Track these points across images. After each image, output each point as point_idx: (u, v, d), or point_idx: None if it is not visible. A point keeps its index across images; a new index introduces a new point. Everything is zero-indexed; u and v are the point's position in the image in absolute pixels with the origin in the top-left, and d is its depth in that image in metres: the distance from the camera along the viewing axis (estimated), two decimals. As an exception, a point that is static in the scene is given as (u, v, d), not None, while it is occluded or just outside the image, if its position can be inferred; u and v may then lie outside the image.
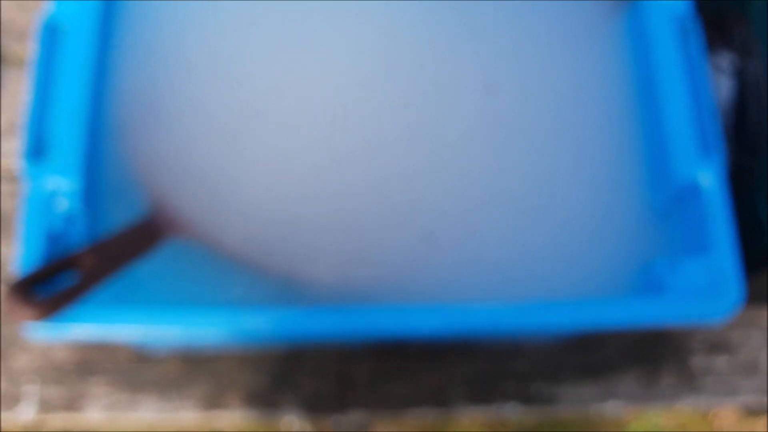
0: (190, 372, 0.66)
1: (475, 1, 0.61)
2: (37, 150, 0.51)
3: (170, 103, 0.55)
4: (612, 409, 0.68)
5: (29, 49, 0.75)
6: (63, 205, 0.50)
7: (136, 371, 0.67)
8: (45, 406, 0.65)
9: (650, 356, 0.69)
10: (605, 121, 0.57)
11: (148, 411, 0.65)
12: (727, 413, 0.71)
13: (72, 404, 0.65)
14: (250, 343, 0.65)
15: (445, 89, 0.58)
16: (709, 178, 0.52)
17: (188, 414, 0.65)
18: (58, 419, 0.66)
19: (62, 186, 0.50)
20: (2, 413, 0.65)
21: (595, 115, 0.57)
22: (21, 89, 0.75)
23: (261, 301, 0.53)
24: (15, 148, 0.72)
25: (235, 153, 0.55)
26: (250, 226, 0.54)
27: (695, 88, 0.55)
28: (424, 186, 0.56)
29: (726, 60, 0.64)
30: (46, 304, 0.45)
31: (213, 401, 0.66)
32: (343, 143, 0.57)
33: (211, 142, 0.55)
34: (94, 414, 0.65)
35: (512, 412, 0.69)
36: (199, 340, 0.64)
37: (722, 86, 0.65)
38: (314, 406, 0.67)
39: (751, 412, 0.69)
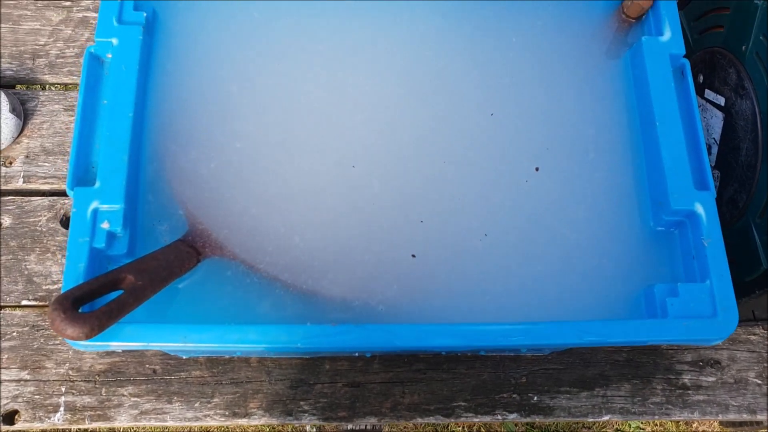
0: (214, 381, 0.70)
1: (484, 40, 0.66)
2: (83, 174, 0.55)
3: (205, 131, 0.59)
4: (606, 421, 0.72)
5: (62, 76, 0.79)
6: (105, 225, 0.53)
7: (163, 380, 0.70)
8: (74, 414, 0.68)
9: (642, 372, 0.74)
10: (608, 152, 0.61)
11: (175, 419, 0.69)
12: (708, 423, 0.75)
13: (100, 412, 0.69)
14: (273, 353, 0.69)
15: (455, 120, 0.63)
16: (703, 208, 0.56)
17: (213, 422, 0.69)
18: (86, 427, 0.69)
19: (105, 208, 0.53)
20: (33, 423, 0.68)
21: (598, 145, 0.61)
22: (53, 114, 0.79)
23: (285, 314, 0.57)
24: (47, 170, 0.75)
25: (265, 178, 0.59)
26: (279, 247, 0.57)
27: (690, 123, 0.59)
28: (433, 209, 0.60)
29: (720, 98, 0.69)
30: (91, 321, 0.47)
31: (236, 409, 0.69)
32: (365, 172, 0.61)
33: (243, 167, 0.59)
34: (122, 422, 0.69)
35: (512, 422, 0.73)
36: (230, 353, 0.67)
37: (716, 122, 0.70)
38: (329, 413, 0.70)
39: (737, 426, 0.73)
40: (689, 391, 0.73)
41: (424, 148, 0.62)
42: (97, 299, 0.51)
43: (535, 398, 0.72)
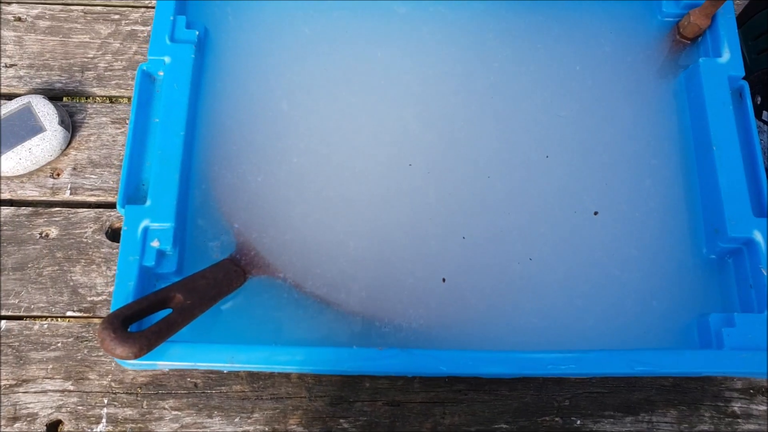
0: (254, 396, 0.70)
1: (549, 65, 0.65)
2: (133, 192, 0.55)
3: (255, 148, 0.59)
4: (652, 447, 0.71)
5: (109, 89, 0.80)
6: (156, 244, 0.53)
7: (204, 394, 0.70)
8: (115, 426, 0.69)
9: (690, 398, 0.72)
10: (662, 179, 0.60)
11: (214, 433, 0.69)
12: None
13: (141, 425, 0.69)
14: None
15: (507, 157, 0.62)
16: (762, 236, 0.54)
17: (252, 437, 0.69)
18: (128, 437, 0.69)
19: (156, 227, 0.53)
20: None
21: (654, 172, 0.60)
22: (100, 127, 0.80)
23: (330, 334, 0.57)
24: (94, 183, 0.76)
25: (314, 197, 0.59)
26: (326, 266, 0.57)
27: (749, 147, 0.58)
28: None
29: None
30: (141, 341, 0.48)
31: (276, 425, 0.69)
32: (417, 190, 0.60)
33: (291, 185, 0.59)
34: (163, 434, 0.69)
35: (556, 446, 0.72)
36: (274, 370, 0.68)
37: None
38: (368, 431, 0.70)
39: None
40: (739, 420, 0.71)
41: (476, 168, 0.62)
42: (145, 318, 0.51)
43: (578, 422, 0.71)
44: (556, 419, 0.71)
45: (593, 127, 0.62)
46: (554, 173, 0.60)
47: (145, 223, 0.54)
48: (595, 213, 0.59)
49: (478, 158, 0.61)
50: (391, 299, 0.59)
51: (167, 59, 0.58)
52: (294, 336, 0.56)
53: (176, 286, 0.52)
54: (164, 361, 0.50)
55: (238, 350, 0.50)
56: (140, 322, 0.51)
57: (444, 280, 0.58)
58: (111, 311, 0.50)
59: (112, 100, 0.84)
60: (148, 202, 0.54)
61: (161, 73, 0.59)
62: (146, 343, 0.48)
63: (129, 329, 0.49)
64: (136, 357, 0.47)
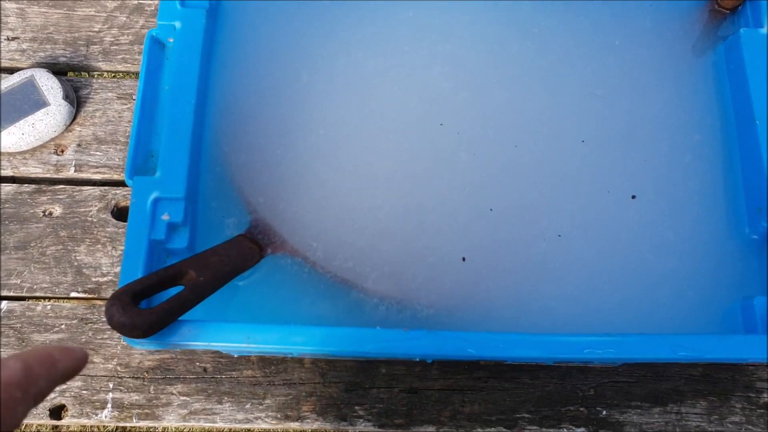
0: (266, 382, 0.67)
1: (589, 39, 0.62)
2: (142, 163, 0.52)
3: (270, 120, 0.56)
4: (681, 439, 0.68)
5: (115, 64, 0.77)
6: (166, 217, 0.50)
7: (213, 379, 0.67)
8: (121, 412, 0.66)
9: (720, 389, 0.69)
10: (702, 156, 0.57)
11: (225, 421, 0.66)
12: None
13: (148, 411, 0.66)
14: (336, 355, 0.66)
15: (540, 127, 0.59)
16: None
17: (264, 424, 0.66)
18: (133, 425, 0.67)
19: (166, 199, 0.50)
20: (80, 419, 0.66)
21: (694, 150, 0.57)
22: (105, 102, 0.77)
23: (350, 315, 0.54)
24: (99, 160, 0.73)
25: (332, 172, 0.56)
26: (342, 243, 0.54)
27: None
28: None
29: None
30: (151, 318, 0.45)
31: (288, 412, 0.66)
32: (434, 172, 0.57)
33: (308, 159, 0.56)
34: (170, 421, 0.66)
35: (580, 436, 0.69)
36: (290, 354, 0.64)
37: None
38: (385, 419, 0.67)
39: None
40: (770, 411, 0.68)
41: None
42: (155, 295, 0.48)
43: (604, 412, 0.68)
44: (581, 409, 0.68)
45: (629, 101, 0.59)
46: (588, 149, 0.57)
47: (154, 195, 0.51)
48: (633, 197, 0.56)
49: (509, 125, 0.58)
50: (413, 278, 0.56)
51: (177, 24, 0.55)
52: (311, 316, 0.53)
53: (188, 262, 0.49)
54: (175, 341, 0.47)
55: (255, 330, 0.47)
56: (149, 300, 0.48)
57: (464, 259, 0.55)
58: (119, 286, 0.47)
59: (118, 75, 0.81)
60: (158, 174, 0.51)
61: (171, 40, 0.55)
62: (157, 320, 0.45)
63: (138, 306, 0.46)
64: (146, 335, 0.44)
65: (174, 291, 0.48)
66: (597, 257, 0.55)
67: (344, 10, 0.60)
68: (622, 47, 0.59)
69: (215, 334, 0.47)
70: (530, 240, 0.55)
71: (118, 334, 0.68)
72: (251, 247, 0.52)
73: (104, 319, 0.66)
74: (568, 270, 0.55)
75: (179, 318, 0.46)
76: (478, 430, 0.68)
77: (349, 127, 0.57)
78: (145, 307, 0.46)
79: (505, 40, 0.61)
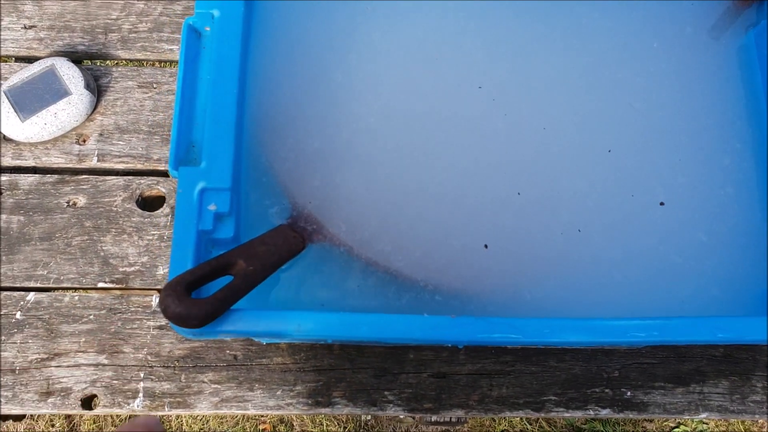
0: (296, 368, 0.68)
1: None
2: (184, 154, 0.52)
3: (310, 110, 0.56)
4: (703, 420, 0.69)
5: (134, 52, 0.76)
6: (213, 207, 0.51)
7: (244, 367, 0.68)
8: (153, 401, 0.66)
9: (741, 369, 0.70)
10: (729, 139, 0.58)
11: (257, 408, 0.66)
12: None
13: (180, 399, 0.66)
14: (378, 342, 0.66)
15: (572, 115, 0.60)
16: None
17: (295, 410, 0.66)
18: (166, 413, 0.67)
19: (212, 189, 0.51)
20: (111, 409, 0.66)
21: (725, 142, 0.58)
22: (126, 91, 0.76)
23: (392, 303, 0.54)
24: (122, 149, 0.73)
25: (373, 161, 0.56)
26: (386, 233, 0.55)
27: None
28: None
29: None
30: (206, 308, 0.45)
31: (319, 398, 0.67)
32: (472, 167, 0.58)
33: (349, 149, 0.56)
34: (202, 409, 0.66)
35: (605, 417, 0.71)
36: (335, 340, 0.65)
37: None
38: (414, 404, 0.68)
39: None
40: (791, 390, 0.70)
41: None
42: (205, 285, 0.48)
43: (629, 393, 0.69)
44: (606, 390, 0.69)
45: (663, 92, 0.59)
46: (615, 143, 0.58)
47: (200, 185, 0.51)
48: (662, 203, 0.57)
49: (541, 108, 0.59)
50: (452, 265, 0.56)
51: (216, 12, 0.54)
52: (354, 304, 0.53)
53: (237, 251, 0.49)
54: (227, 329, 0.47)
55: (305, 318, 0.48)
56: (198, 290, 0.49)
57: (486, 246, 0.55)
58: (170, 278, 0.47)
59: (136, 63, 0.81)
60: (203, 164, 0.51)
61: (208, 29, 0.55)
62: (212, 310, 0.45)
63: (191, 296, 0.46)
64: (202, 325, 0.45)
65: (221, 282, 0.48)
66: (621, 255, 0.56)
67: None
68: (660, 49, 0.60)
69: (267, 322, 0.48)
70: (551, 231, 0.56)
71: (147, 324, 0.68)
72: (295, 237, 0.53)
73: (132, 309, 0.67)
74: (589, 264, 0.56)
75: (231, 307, 0.47)
76: (506, 413, 0.70)
77: (387, 116, 0.57)
78: (195, 297, 0.46)
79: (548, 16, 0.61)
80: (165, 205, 0.72)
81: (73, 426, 1.20)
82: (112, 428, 1.17)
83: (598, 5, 0.63)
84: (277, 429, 1.24)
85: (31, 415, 1.20)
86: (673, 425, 1.16)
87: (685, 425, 1.15)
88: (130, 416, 0.86)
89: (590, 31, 0.63)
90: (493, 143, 0.59)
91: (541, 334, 0.48)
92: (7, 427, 1.18)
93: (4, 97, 0.70)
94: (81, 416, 1.20)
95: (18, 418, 0.68)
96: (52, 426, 1.20)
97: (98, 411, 0.66)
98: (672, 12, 0.62)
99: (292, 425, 1.25)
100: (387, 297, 0.55)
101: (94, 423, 1.19)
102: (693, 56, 0.61)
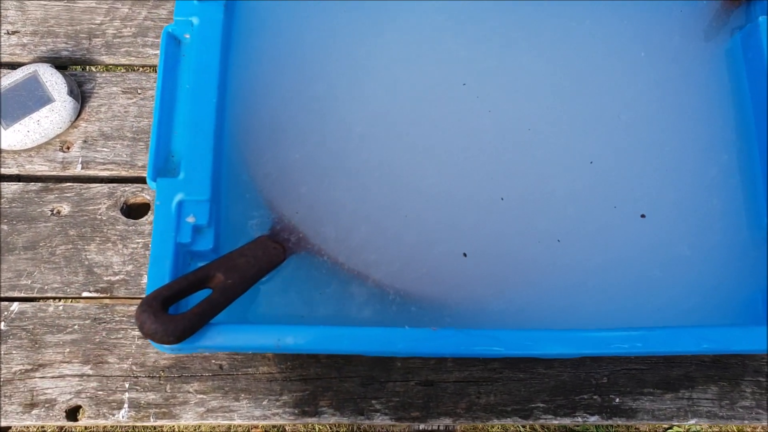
0: (282, 377, 0.67)
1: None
2: (163, 164, 0.52)
3: (290, 119, 0.56)
4: (692, 426, 0.69)
5: (119, 57, 0.76)
6: (191, 219, 0.50)
7: (229, 377, 0.67)
8: (138, 411, 0.66)
9: (730, 374, 0.70)
10: (716, 151, 0.57)
11: (243, 418, 0.66)
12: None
13: (165, 410, 0.66)
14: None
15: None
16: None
17: (282, 420, 0.66)
18: (151, 425, 0.66)
19: (191, 201, 0.50)
20: (96, 420, 0.65)
21: (711, 145, 0.58)
22: (110, 97, 0.75)
23: (375, 314, 0.54)
24: (106, 156, 0.72)
25: (347, 173, 0.56)
26: (362, 242, 0.54)
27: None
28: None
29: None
30: (183, 323, 0.45)
31: (306, 407, 0.66)
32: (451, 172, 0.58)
33: (329, 159, 0.55)
34: (188, 420, 0.66)
35: (593, 424, 0.70)
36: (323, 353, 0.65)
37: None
38: (402, 412, 0.67)
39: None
40: (780, 396, 0.70)
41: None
42: (183, 299, 0.48)
43: (617, 400, 0.69)
44: (595, 397, 0.69)
45: (650, 103, 0.59)
46: (600, 149, 0.58)
47: (179, 197, 0.50)
48: (642, 216, 0.56)
49: (525, 110, 0.58)
50: (440, 276, 0.56)
51: (195, 20, 0.54)
52: (335, 315, 0.53)
53: (216, 264, 0.49)
54: (206, 345, 0.46)
55: (285, 332, 0.47)
56: (176, 305, 0.48)
57: (465, 254, 0.55)
58: (147, 293, 0.46)
59: (121, 69, 0.80)
60: (181, 175, 0.50)
61: (187, 36, 0.54)
62: (189, 325, 0.45)
63: (168, 311, 0.45)
64: (179, 341, 0.44)
65: (200, 296, 0.48)
66: (601, 264, 0.56)
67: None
68: (647, 59, 0.59)
69: (246, 337, 0.47)
70: (531, 241, 0.56)
71: (132, 334, 0.68)
72: (275, 247, 0.52)
73: (117, 318, 0.66)
74: (570, 274, 0.55)
75: (209, 321, 0.46)
76: (494, 420, 0.69)
77: (368, 125, 0.56)
78: (173, 311, 0.46)
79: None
80: (150, 212, 0.72)
81: (64, 432, 1.20)
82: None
83: (588, 11, 0.62)
84: (269, 433, 1.23)
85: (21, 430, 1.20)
86: (666, 426, 1.16)
87: (679, 426, 1.14)
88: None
89: (579, 37, 0.62)
90: (478, 143, 0.58)
91: (523, 347, 0.48)
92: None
93: (-15, 104, 0.70)
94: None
95: (3, 430, 0.68)
96: (44, 432, 1.19)
97: (83, 422, 0.66)
98: (660, 20, 0.62)
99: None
100: (369, 308, 0.55)
101: None
102: (680, 66, 0.60)
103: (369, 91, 0.57)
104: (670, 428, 1.13)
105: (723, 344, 0.49)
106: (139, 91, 0.76)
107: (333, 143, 0.55)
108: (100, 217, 0.71)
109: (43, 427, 1.06)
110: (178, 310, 0.47)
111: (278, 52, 0.58)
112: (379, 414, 0.67)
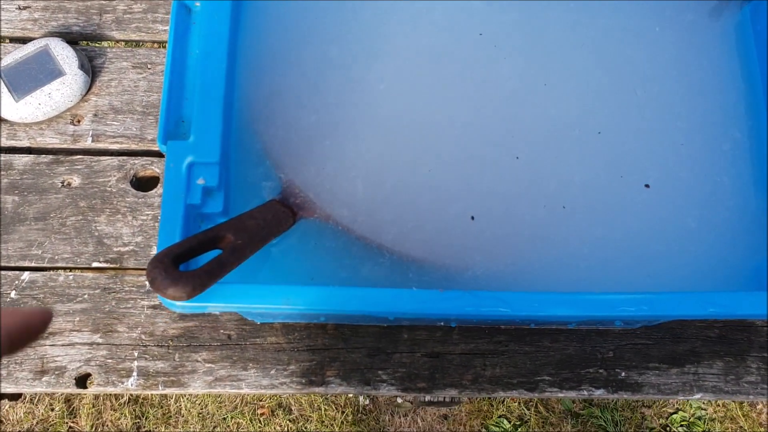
0: (290, 348, 0.68)
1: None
2: (173, 128, 0.52)
3: (300, 85, 0.56)
4: (697, 401, 0.69)
5: (129, 33, 0.76)
6: (201, 182, 0.50)
7: (238, 346, 0.68)
8: (147, 380, 0.66)
9: (736, 349, 0.70)
10: (721, 118, 0.57)
11: (250, 387, 0.67)
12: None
13: (174, 378, 0.66)
14: (365, 320, 0.66)
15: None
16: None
17: (289, 389, 0.66)
18: (160, 392, 0.67)
19: (200, 163, 0.50)
20: (106, 387, 0.66)
21: (712, 112, 0.58)
22: (121, 72, 0.76)
23: (382, 278, 0.54)
24: (116, 129, 0.73)
25: (356, 138, 0.56)
26: (376, 209, 0.55)
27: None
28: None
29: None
30: (193, 280, 0.45)
31: (313, 377, 0.67)
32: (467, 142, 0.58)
33: (339, 124, 0.56)
34: (196, 388, 0.66)
35: (599, 397, 0.71)
36: (316, 319, 0.65)
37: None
38: (408, 383, 0.68)
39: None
40: (786, 370, 0.70)
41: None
42: (193, 259, 0.48)
43: (623, 374, 0.69)
44: (600, 371, 0.69)
45: (665, 78, 0.59)
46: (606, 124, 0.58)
47: (189, 159, 0.50)
48: (647, 186, 0.56)
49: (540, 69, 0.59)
50: (446, 240, 0.56)
51: (205, -13, 0.54)
52: (345, 280, 0.53)
53: (225, 225, 0.49)
54: (215, 303, 0.47)
55: (294, 292, 0.48)
56: (187, 264, 0.48)
57: (473, 218, 0.55)
58: (158, 250, 0.47)
59: (131, 44, 0.81)
60: (191, 138, 0.51)
61: (198, 4, 0.55)
62: (199, 282, 0.45)
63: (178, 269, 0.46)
64: (189, 297, 0.44)
65: (210, 256, 0.48)
66: (606, 234, 0.56)
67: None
68: (661, 34, 0.59)
69: (255, 296, 0.47)
70: (537, 206, 0.56)
71: (142, 303, 0.69)
72: (285, 212, 0.53)
73: (127, 288, 0.67)
74: (571, 242, 0.56)
75: (218, 281, 0.47)
76: (500, 392, 0.69)
77: (377, 90, 0.57)
78: (183, 270, 0.46)
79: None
80: (159, 185, 0.72)
81: (73, 410, 1.21)
82: (111, 412, 1.17)
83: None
84: (275, 413, 1.24)
85: (31, 399, 1.21)
86: (671, 411, 1.16)
87: (684, 411, 1.14)
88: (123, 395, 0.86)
89: (597, 8, 0.63)
90: (495, 91, 0.58)
91: (530, 308, 0.48)
92: (6, 411, 1.19)
93: (-2, 76, 0.70)
94: (80, 400, 1.21)
95: (14, 397, 0.68)
96: (52, 410, 1.20)
97: (93, 389, 0.66)
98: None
99: (291, 410, 1.25)
100: (377, 273, 0.55)
101: (93, 407, 1.20)
102: (693, 41, 0.61)
103: (384, 49, 0.58)
104: (676, 412, 1.13)
105: (730, 308, 0.49)
106: (149, 66, 0.76)
107: (344, 106, 0.55)
108: (110, 189, 0.72)
109: (53, 393, 1.07)
110: (188, 269, 0.47)
111: (286, 19, 0.58)
112: (385, 384, 0.68)
